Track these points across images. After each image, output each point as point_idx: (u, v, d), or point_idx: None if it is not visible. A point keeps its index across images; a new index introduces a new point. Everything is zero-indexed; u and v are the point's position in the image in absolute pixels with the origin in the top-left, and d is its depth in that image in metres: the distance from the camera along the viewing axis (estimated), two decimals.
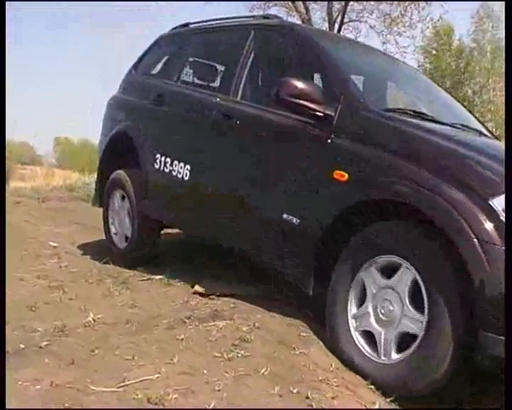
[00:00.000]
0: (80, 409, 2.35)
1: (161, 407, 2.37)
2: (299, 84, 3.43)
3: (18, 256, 4.72)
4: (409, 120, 3.43)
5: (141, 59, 5.62)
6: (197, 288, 3.97)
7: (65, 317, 3.46)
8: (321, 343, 3.22)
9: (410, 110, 3.70)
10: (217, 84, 4.69)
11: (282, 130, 3.74)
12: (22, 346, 3.00)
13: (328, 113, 3.42)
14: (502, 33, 30.40)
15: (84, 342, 3.09)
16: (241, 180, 3.99)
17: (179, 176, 4.38)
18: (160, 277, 4.33)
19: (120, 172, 5.08)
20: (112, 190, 5.19)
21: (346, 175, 3.22)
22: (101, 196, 5.35)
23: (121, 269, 4.59)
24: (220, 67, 4.87)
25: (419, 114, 3.65)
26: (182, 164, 4.38)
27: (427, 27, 21.90)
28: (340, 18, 20.99)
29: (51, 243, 5.48)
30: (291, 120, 3.61)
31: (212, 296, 3.83)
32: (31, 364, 2.77)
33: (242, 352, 2.91)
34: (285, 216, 3.51)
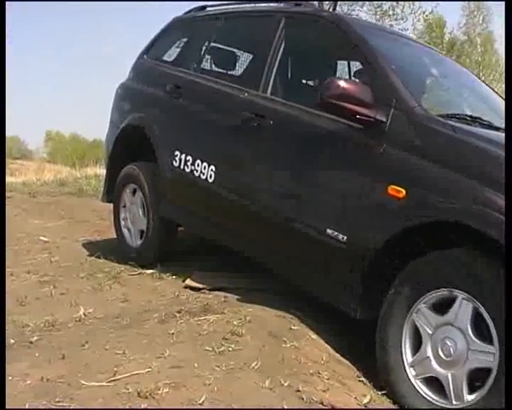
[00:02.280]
0: (70, 404, 2.35)
1: (152, 400, 2.37)
2: (346, 85, 3.08)
3: (8, 251, 4.70)
4: (470, 129, 3.05)
5: (153, 43, 5.20)
6: (188, 282, 3.97)
7: (55, 311, 3.46)
8: (312, 336, 3.22)
9: (467, 116, 3.32)
10: (243, 76, 4.33)
11: (325, 134, 3.38)
12: (12, 341, 3.01)
13: (379, 118, 3.06)
14: (492, 26, 30.52)
15: (74, 336, 3.09)
16: (275, 187, 3.64)
17: (202, 177, 4.03)
18: (151, 271, 4.32)
19: (134, 165, 4.77)
20: (124, 184, 4.85)
21: (404, 191, 2.85)
22: (110, 191, 5.05)
23: (112, 263, 4.58)
24: (245, 57, 4.56)
25: (476, 120, 3.28)
26: (205, 164, 4.02)
27: (419, 20, 21.90)
28: (331, 10, 20.95)
29: (42, 238, 5.47)
30: (336, 123, 3.27)
31: (203, 290, 3.82)
32: (21, 359, 2.77)
33: (233, 346, 2.91)
34: (329, 231, 3.17)
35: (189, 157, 4.16)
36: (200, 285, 3.89)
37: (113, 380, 2.53)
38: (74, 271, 4.36)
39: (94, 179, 10.69)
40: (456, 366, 2.63)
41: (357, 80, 3.47)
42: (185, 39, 4.94)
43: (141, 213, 4.66)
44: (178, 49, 4.96)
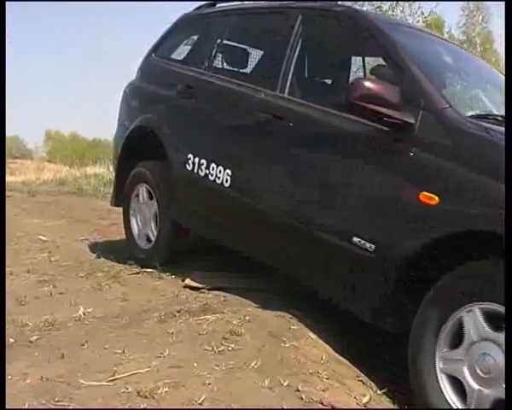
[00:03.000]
0: (70, 404, 2.35)
1: (151, 400, 2.37)
2: (373, 86, 2.93)
3: (8, 250, 4.70)
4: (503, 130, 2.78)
5: (161, 41, 5.02)
6: (188, 281, 3.96)
7: (55, 311, 3.46)
8: (311, 336, 3.22)
9: (499, 116, 3.11)
10: (258, 75, 4.10)
11: (349, 137, 3.21)
12: (12, 340, 3.01)
13: (408, 120, 2.90)
14: (492, 26, 30.51)
15: (74, 336, 3.09)
16: (296, 193, 3.45)
17: (217, 181, 3.86)
18: (151, 270, 4.31)
19: (145, 164, 4.63)
20: (135, 184, 4.70)
21: (437, 198, 2.67)
22: (119, 194, 4.88)
23: (112, 263, 4.58)
24: (260, 56, 4.36)
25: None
26: (220, 168, 3.85)
27: (418, 21, 21.90)
28: None
29: (41, 237, 5.47)
30: (361, 126, 3.11)
31: (202, 290, 3.82)
32: (21, 358, 2.77)
33: (233, 345, 2.91)
34: (356, 240, 3.01)
35: (203, 160, 4.01)
36: (200, 285, 3.89)
37: (113, 380, 2.53)
38: (74, 270, 4.36)
39: (93, 179, 10.70)
40: (488, 386, 2.47)
41: (383, 80, 3.18)
42: (195, 37, 4.78)
43: (152, 216, 4.55)
44: (188, 48, 4.80)
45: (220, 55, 4.45)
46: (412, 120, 2.90)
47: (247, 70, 4.34)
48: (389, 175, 2.97)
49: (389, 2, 20.28)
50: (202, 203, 4.16)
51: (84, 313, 3.40)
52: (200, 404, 2.36)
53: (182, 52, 4.82)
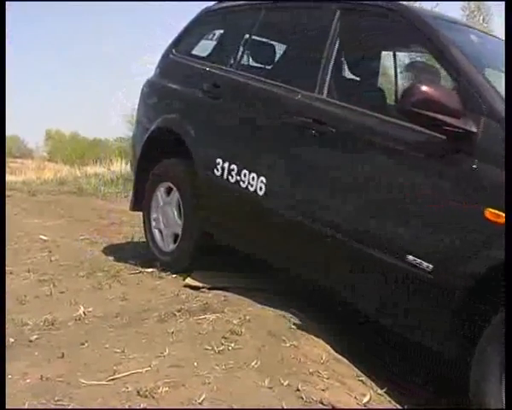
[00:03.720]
0: (70, 403, 2.34)
1: (151, 399, 2.37)
2: (431, 91, 2.68)
3: (8, 250, 4.70)
4: None
5: (181, 37, 4.73)
6: (188, 281, 3.96)
7: (55, 310, 3.45)
8: (311, 336, 3.22)
9: None
10: (293, 75, 3.79)
11: (402, 146, 2.95)
12: (12, 340, 3.00)
13: (470, 129, 2.64)
14: (492, 26, 30.45)
15: (74, 335, 3.08)
16: (341, 205, 3.20)
17: (251, 189, 3.62)
18: (151, 270, 4.31)
19: (169, 161, 4.35)
20: (157, 182, 4.43)
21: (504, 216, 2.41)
22: (139, 199, 4.61)
23: (112, 262, 4.57)
24: (294, 54, 4.05)
25: None
26: (253, 175, 3.61)
27: None
28: None
29: (41, 237, 5.47)
30: (415, 134, 2.87)
31: (202, 289, 3.82)
32: (20, 357, 2.76)
33: (233, 345, 2.91)
34: (410, 258, 2.77)
35: (233, 166, 3.75)
36: (200, 284, 3.88)
37: (113, 379, 2.53)
38: (74, 270, 4.35)
39: (94, 178, 10.71)
40: None
41: (443, 86, 3.00)
42: (220, 33, 4.55)
43: (176, 214, 4.30)
44: (212, 44, 4.56)
45: (249, 52, 4.21)
46: (474, 129, 2.65)
47: (280, 69, 4.07)
48: (448, 188, 2.73)
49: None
50: (232, 211, 3.91)
51: (84, 313, 3.40)
52: (200, 404, 2.35)
53: (204, 48, 4.59)
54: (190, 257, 4.18)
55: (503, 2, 2.84)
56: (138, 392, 2.40)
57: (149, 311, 3.42)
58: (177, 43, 4.73)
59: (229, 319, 3.23)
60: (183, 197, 4.20)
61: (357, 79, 4.03)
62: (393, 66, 4.11)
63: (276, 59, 4.18)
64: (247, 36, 4.19)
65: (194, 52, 4.60)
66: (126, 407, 2.31)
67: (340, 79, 3.75)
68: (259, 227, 3.71)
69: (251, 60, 4.23)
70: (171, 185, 4.32)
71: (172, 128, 4.27)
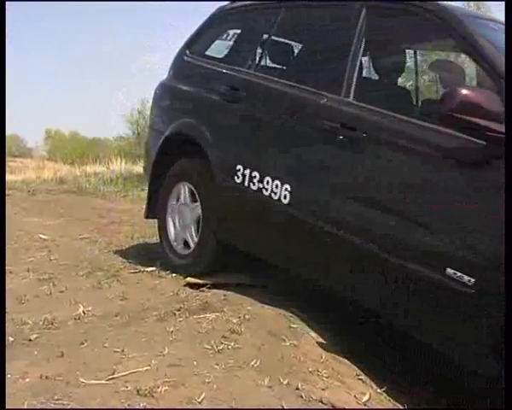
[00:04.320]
0: (69, 402, 2.34)
1: (151, 399, 2.37)
2: (472, 94, 2.56)
3: (8, 249, 4.70)
4: None
5: (195, 37, 4.55)
6: (189, 279, 3.95)
7: (54, 310, 3.45)
8: (311, 335, 3.22)
9: None
10: (317, 77, 3.61)
11: (440, 152, 2.83)
12: (11, 339, 3.00)
13: None
14: None
15: (73, 334, 3.08)
16: (374, 215, 3.02)
17: (274, 197, 3.46)
18: (151, 269, 4.31)
19: (186, 160, 4.19)
20: (175, 182, 4.27)
21: None
22: (154, 206, 4.45)
23: (111, 262, 4.57)
24: (317, 55, 3.79)
25: None
26: (277, 182, 3.44)
27: None
28: None
29: (41, 236, 5.47)
30: (453, 139, 2.72)
31: (202, 288, 3.81)
32: (20, 357, 2.76)
33: (232, 344, 2.91)
34: (450, 271, 2.62)
35: (255, 173, 3.60)
36: (201, 282, 3.88)
37: (112, 378, 2.52)
38: (73, 269, 4.35)
39: (93, 177, 10.71)
40: None
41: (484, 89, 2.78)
42: (236, 33, 4.37)
43: (194, 219, 4.15)
44: (226, 44, 4.40)
45: (268, 53, 4.03)
46: None
47: (303, 70, 3.87)
48: (490, 196, 2.58)
49: None
50: (254, 220, 3.75)
51: (83, 312, 3.40)
52: (199, 403, 2.35)
53: (218, 49, 4.44)
54: (209, 260, 4.02)
55: (503, 2, 2.82)
56: (138, 391, 2.39)
57: (149, 310, 3.42)
58: (190, 43, 4.57)
59: (229, 318, 3.23)
60: (202, 197, 4.06)
61: (385, 80, 3.87)
62: (417, 66, 4.03)
63: (298, 60, 4.05)
64: (266, 36, 4.02)
65: (208, 53, 4.45)
66: (126, 406, 2.30)
67: (367, 81, 3.65)
68: (283, 236, 3.55)
69: (271, 61, 4.07)
70: (190, 186, 4.17)
71: (189, 133, 4.13)
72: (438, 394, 3.04)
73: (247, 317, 3.26)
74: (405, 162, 2.94)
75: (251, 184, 3.62)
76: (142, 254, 4.77)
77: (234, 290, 3.73)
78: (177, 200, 4.28)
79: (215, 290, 3.75)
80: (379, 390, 2.85)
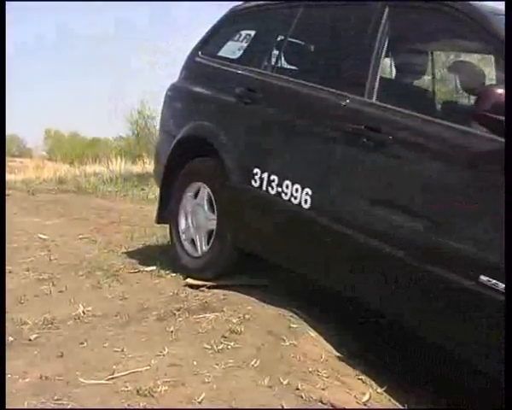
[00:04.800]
0: (69, 402, 2.34)
1: (151, 398, 2.37)
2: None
3: (7, 249, 4.69)
4: None
5: (208, 38, 4.44)
6: (189, 279, 3.95)
7: (54, 309, 3.46)
8: (311, 334, 3.22)
9: None
10: (338, 78, 3.52)
11: (472, 154, 2.67)
12: (11, 339, 3.01)
13: None
14: None
15: (73, 334, 3.09)
16: (400, 221, 2.89)
17: (294, 201, 3.34)
18: (151, 268, 4.31)
19: (201, 159, 4.04)
20: (188, 182, 4.12)
21: None
22: (165, 211, 4.31)
23: (111, 261, 4.56)
24: (336, 55, 3.65)
25: None
26: (297, 186, 3.33)
27: None
28: None
29: (41, 236, 5.46)
30: (486, 141, 2.60)
31: (202, 288, 3.81)
32: (20, 356, 2.77)
33: (232, 344, 2.91)
34: (484, 279, 2.47)
35: (273, 176, 3.48)
36: (201, 283, 3.87)
37: (112, 378, 2.53)
38: (73, 269, 4.35)
39: (93, 177, 10.71)
40: None
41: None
42: (249, 34, 4.22)
43: (208, 216, 3.99)
44: (240, 45, 4.23)
45: (286, 54, 3.89)
46: None
47: (323, 71, 3.74)
48: None
49: None
50: (273, 225, 3.62)
51: (83, 312, 3.40)
52: (199, 403, 2.35)
53: (232, 49, 4.30)
54: (223, 262, 3.89)
55: (503, 2, 2.80)
56: (138, 391, 2.40)
57: (149, 310, 3.42)
58: (203, 44, 4.45)
59: (229, 318, 3.23)
60: (216, 199, 3.90)
61: (408, 81, 3.79)
62: (436, 67, 3.91)
63: (317, 60, 3.91)
64: (283, 36, 3.88)
65: (222, 54, 4.33)
66: (126, 406, 2.31)
67: (390, 82, 3.56)
68: (304, 242, 3.41)
69: (288, 62, 3.93)
70: (204, 185, 4.03)
71: (203, 136, 4.00)
72: (438, 394, 3.04)
73: (246, 317, 3.26)
74: (434, 165, 2.81)
75: (269, 188, 3.51)
76: (142, 254, 4.77)
77: (233, 290, 3.73)
78: (191, 200, 4.14)
79: (215, 290, 3.74)
80: (379, 390, 2.85)
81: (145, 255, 4.72)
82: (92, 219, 6.61)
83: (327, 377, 2.77)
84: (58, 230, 5.87)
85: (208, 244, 3.96)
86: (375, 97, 3.14)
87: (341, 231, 3.13)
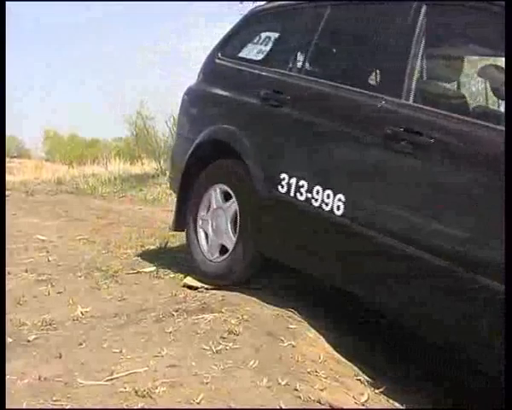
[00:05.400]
0: (68, 403, 2.34)
1: (149, 399, 2.37)
2: None
3: (6, 250, 4.70)
4: None
5: (228, 40, 4.32)
6: (187, 280, 3.95)
7: (53, 310, 3.46)
8: (309, 335, 3.22)
9: None
10: (372, 79, 3.51)
11: None
12: (10, 340, 3.00)
13: None
14: None
15: (71, 335, 3.08)
16: (447, 228, 2.75)
17: (325, 208, 3.21)
18: (150, 269, 4.31)
19: (223, 161, 3.90)
20: (210, 184, 3.96)
21: None
22: (182, 218, 4.14)
23: (109, 262, 4.56)
24: (369, 56, 3.57)
25: None
26: (329, 192, 3.19)
27: None
28: None
29: (39, 237, 5.46)
30: None
31: (200, 289, 3.81)
32: (18, 357, 2.77)
33: (230, 344, 2.91)
34: None
35: (302, 182, 3.34)
36: (199, 284, 3.88)
37: (110, 379, 2.53)
38: (71, 269, 4.35)
39: (91, 178, 10.71)
40: None
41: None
42: (271, 36, 4.11)
43: (229, 222, 3.84)
44: (260, 48, 4.11)
45: (314, 55, 3.74)
46: None
47: (354, 72, 3.64)
48: None
49: None
50: (301, 232, 3.47)
51: (81, 313, 3.40)
52: (197, 403, 2.35)
53: (253, 51, 4.17)
54: (246, 266, 3.75)
55: (503, 2, 2.79)
56: (136, 392, 2.40)
57: (147, 311, 3.42)
58: (223, 46, 4.33)
59: (227, 319, 3.22)
60: (240, 200, 3.76)
61: (447, 82, 3.68)
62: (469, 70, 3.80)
63: (348, 61, 3.73)
64: (311, 37, 3.70)
65: (243, 56, 4.20)
66: (124, 406, 2.31)
67: (428, 83, 3.47)
68: (336, 251, 3.29)
69: (317, 63, 3.80)
70: (226, 188, 3.88)
71: (225, 140, 3.87)
72: (438, 394, 3.04)
73: (245, 317, 3.26)
74: (479, 170, 2.67)
75: (297, 195, 3.37)
76: (141, 255, 4.77)
77: (232, 291, 3.73)
78: (212, 202, 3.98)
79: (213, 291, 3.74)
80: (377, 391, 2.85)
81: (144, 256, 4.73)
82: (91, 220, 6.61)
83: (325, 378, 2.77)
84: (57, 231, 5.87)
85: (228, 251, 3.82)
86: (411, 99, 3.02)
87: (378, 240, 2.99)
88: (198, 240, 4.04)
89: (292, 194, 3.41)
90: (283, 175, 3.46)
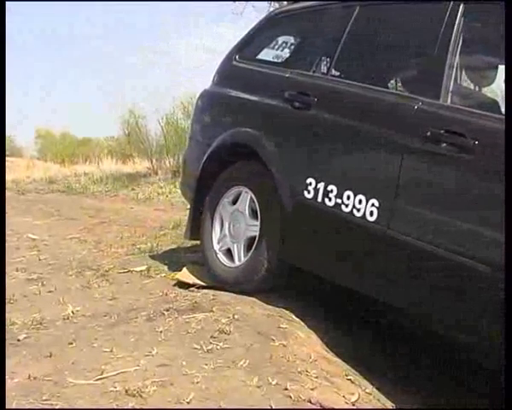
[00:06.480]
0: (58, 402, 2.34)
1: (139, 399, 2.36)
2: None
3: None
4: None
5: (247, 42, 4.19)
6: (179, 276, 3.93)
7: (43, 309, 3.45)
8: (300, 335, 3.22)
9: None
10: (407, 81, 3.44)
11: None
12: None
13: None
14: None
15: (62, 334, 3.08)
16: (489, 235, 2.59)
17: (357, 213, 3.08)
18: (141, 269, 4.31)
19: (246, 162, 3.77)
20: (226, 188, 3.86)
21: None
22: (196, 226, 4.02)
23: (101, 261, 4.56)
24: (406, 57, 3.51)
25: None
26: (361, 197, 3.07)
27: None
28: None
29: (30, 236, 5.46)
30: None
31: (191, 288, 3.81)
32: (8, 357, 2.75)
33: (221, 344, 2.90)
34: None
35: (331, 187, 3.22)
36: (191, 281, 3.86)
37: (101, 378, 2.52)
38: (62, 269, 4.35)
39: (83, 177, 10.70)
40: None
41: None
42: (289, 40, 4.08)
43: (248, 222, 3.73)
44: (289, 49, 4.07)
45: (342, 56, 3.59)
46: None
47: (386, 74, 3.60)
48: None
49: None
50: (330, 239, 3.36)
51: (72, 312, 3.39)
52: (188, 403, 2.35)
53: (275, 53, 4.15)
54: (265, 272, 3.61)
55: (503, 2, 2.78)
56: (126, 391, 2.39)
57: (138, 310, 3.41)
58: (241, 48, 4.20)
59: (218, 318, 3.22)
60: (262, 204, 3.63)
61: (479, 85, 3.59)
62: None
63: (380, 63, 3.62)
64: (339, 38, 3.57)
65: (263, 58, 4.13)
66: (114, 406, 2.30)
67: (462, 85, 3.40)
68: (369, 258, 3.15)
69: (345, 64, 3.68)
70: (246, 190, 3.75)
71: (246, 143, 3.73)
72: (438, 394, 3.05)
73: (236, 317, 3.26)
74: None
75: (326, 200, 3.25)
76: (132, 254, 4.77)
77: (223, 290, 3.73)
78: (229, 207, 3.87)
79: (204, 290, 3.74)
80: (367, 390, 2.86)
81: (135, 255, 4.72)
82: (82, 219, 6.61)
83: (316, 378, 2.77)
84: (48, 230, 5.87)
85: (248, 253, 3.70)
86: (449, 100, 2.94)
87: (420, 247, 2.85)
88: (213, 244, 3.90)
89: (319, 199, 3.28)
90: (310, 180, 3.33)
